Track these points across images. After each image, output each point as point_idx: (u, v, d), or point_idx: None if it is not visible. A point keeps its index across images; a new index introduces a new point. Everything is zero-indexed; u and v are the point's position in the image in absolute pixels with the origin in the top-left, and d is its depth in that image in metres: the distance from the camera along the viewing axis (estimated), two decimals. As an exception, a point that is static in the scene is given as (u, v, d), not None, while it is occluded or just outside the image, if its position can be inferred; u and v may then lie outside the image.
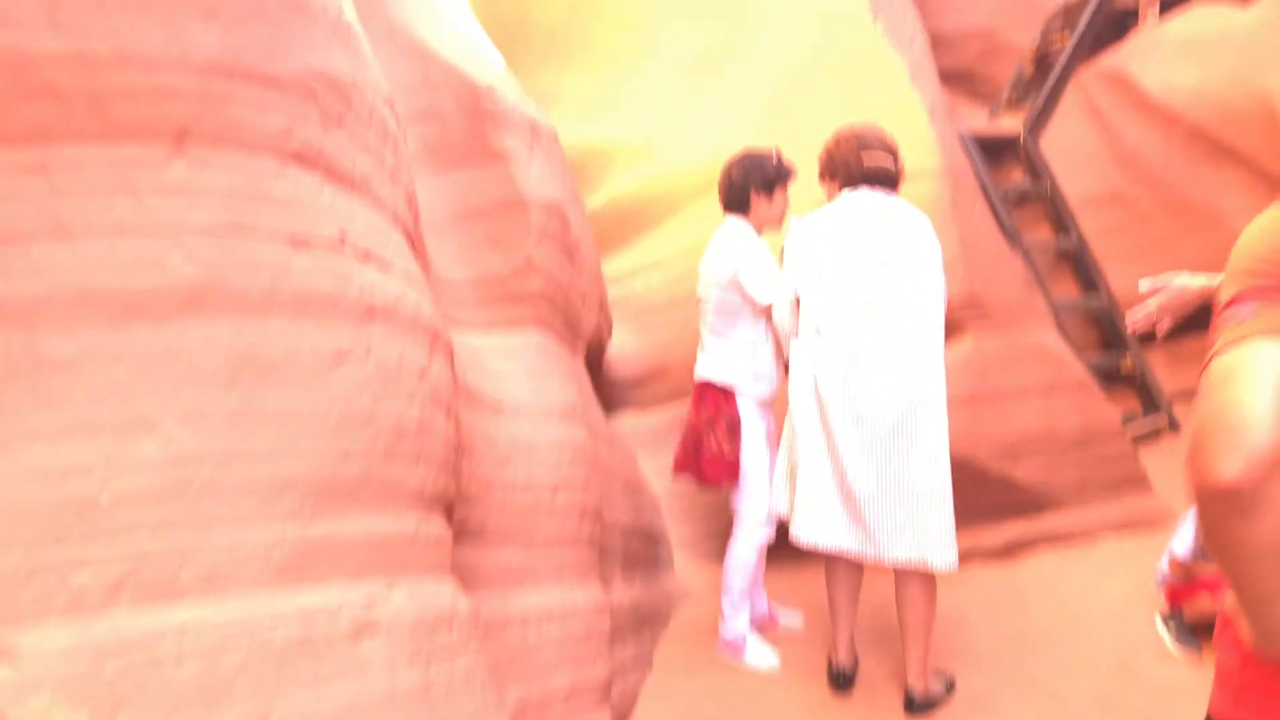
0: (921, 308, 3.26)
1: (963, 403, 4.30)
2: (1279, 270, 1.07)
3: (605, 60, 6.22)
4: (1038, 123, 6.16)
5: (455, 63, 3.68)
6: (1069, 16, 6.68)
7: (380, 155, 2.31)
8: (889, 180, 3.38)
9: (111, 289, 1.62)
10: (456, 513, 2.42)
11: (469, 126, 3.67)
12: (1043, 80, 6.70)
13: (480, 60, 3.91)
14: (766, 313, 3.64)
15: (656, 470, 4.72)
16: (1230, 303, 1.10)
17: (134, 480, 1.51)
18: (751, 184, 3.73)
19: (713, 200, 5.41)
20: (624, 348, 5.33)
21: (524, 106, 3.94)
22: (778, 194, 3.77)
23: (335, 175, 2.05)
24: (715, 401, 3.67)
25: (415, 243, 2.52)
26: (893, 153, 3.40)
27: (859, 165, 3.34)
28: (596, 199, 5.94)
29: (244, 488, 1.60)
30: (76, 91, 1.69)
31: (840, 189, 3.40)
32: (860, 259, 3.25)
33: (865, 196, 3.33)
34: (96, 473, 1.48)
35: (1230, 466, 0.96)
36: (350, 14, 2.44)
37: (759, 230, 3.79)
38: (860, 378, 3.20)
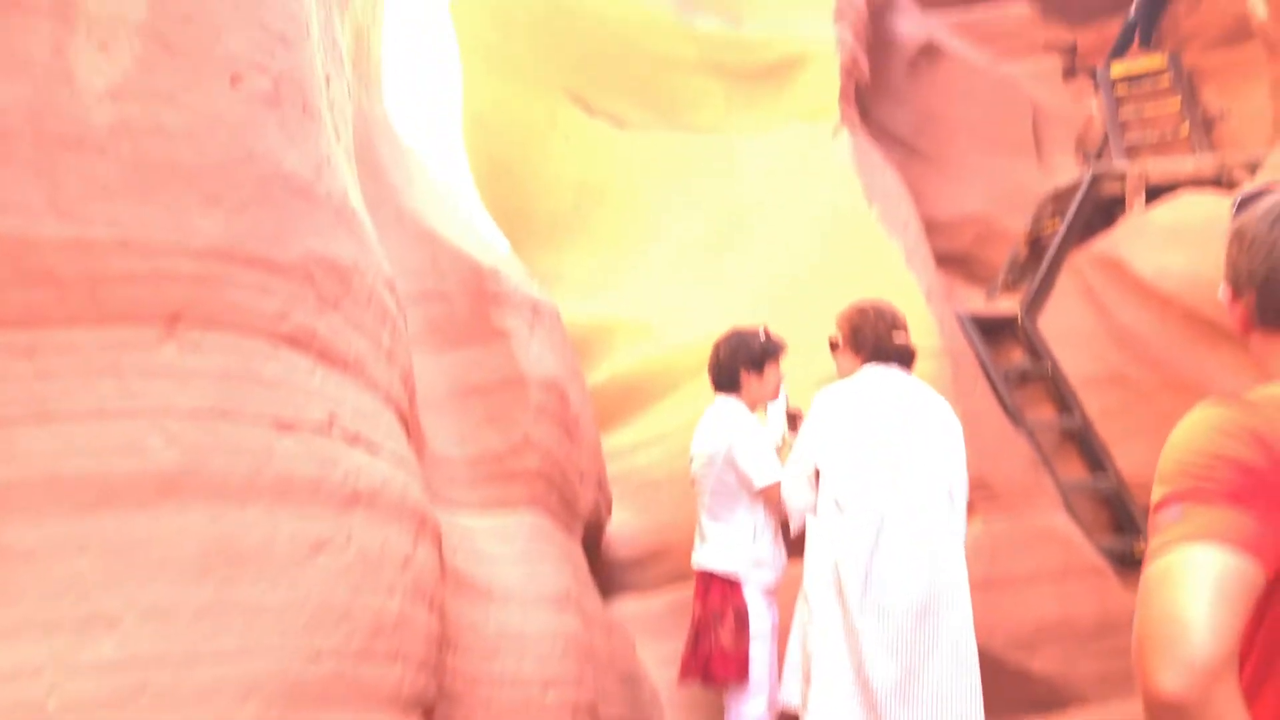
0: (946, 477, 3.21)
1: (974, 588, 4.13)
2: (1203, 472, 1.09)
3: (607, 243, 6.40)
4: (1034, 304, 6.26)
5: (461, 246, 3.77)
6: (1059, 203, 6.91)
7: (377, 336, 2.30)
8: (910, 359, 3.41)
9: (85, 474, 1.56)
10: (438, 712, 2.27)
11: (472, 307, 3.72)
12: (1037, 263, 6.86)
13: (485, 244, 4.00)
14: (765, 494, 3.55)
15: (658, 659, 4.50)
16: (1158, 506, 1.10)
17: (85, 684, 1.40)
18: (740, 362, 3.73)
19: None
20: (624, 527, 5.21)
21: (527, 286, 4.01)
22: (768, 370, 3.76)
23: (328, 357, 2.04)
24: (721, 593, 3.52)
25: (409, 423, 2.48)
26: (906, 330, 3.44)
27: (889, 342, 3.36)
28: (598, 375, 5.97)
29: (205, 692, 1.49)
30: (74, 277, 1.70)
31: (864, 363, 3.39)
32: (885, 429, 3.21)
33: (891, 374, 3.34)
34: (45, 675, 1.38)
35: (1174, 680, 0.95)
36: (356, 200, 2.50)
37: (751, 408, 3.75)
38: (884, 558, 3.08)
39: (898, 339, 3.40)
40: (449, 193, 4.33)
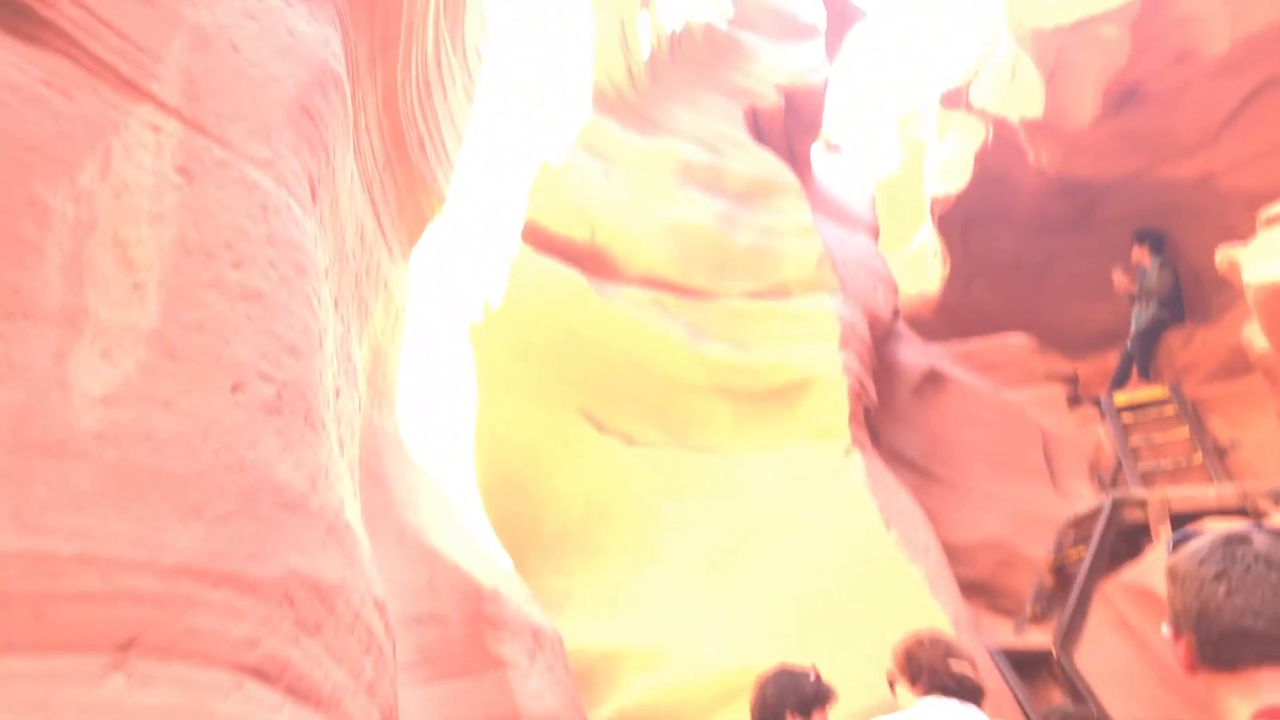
0: None
1: None
2: None
3: (615, 561, 6.18)
4: (1068, 637, 5.88)
5: (461, 564, 3.57)
6: (1080, 530, 6.73)
7: (358, 666, 2.06)
8: (974, 693, 3.11)
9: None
10: None
11: (469, 632, 3.46)
12: (1065, 593, 6.55)
13: (487, 561, 3.81)
14: None
15: None
16: None
17: None
18: (787, 705, 3.38)
19: (730, 715, 4.95)
20: None
21: (528, 610, 3.75)
22: (815, 718, 3.41)
23: (300, 691, 1.79)
24: None
25: (386, 770, 2.16)
26: (973, 663, 3.17)
27: (947, 671, 3.09)
28: (603, 711, 5.49)
29: None
30: (23, 595, 1.52)
31: (923, 694, 3.10)
32: None
33: (950, 707, 3.03)
34: None
35: None
36: (353, 514, 2.36)
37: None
38: None
39: (956, 667, 3.13)
40: (454, 509, 4.21)
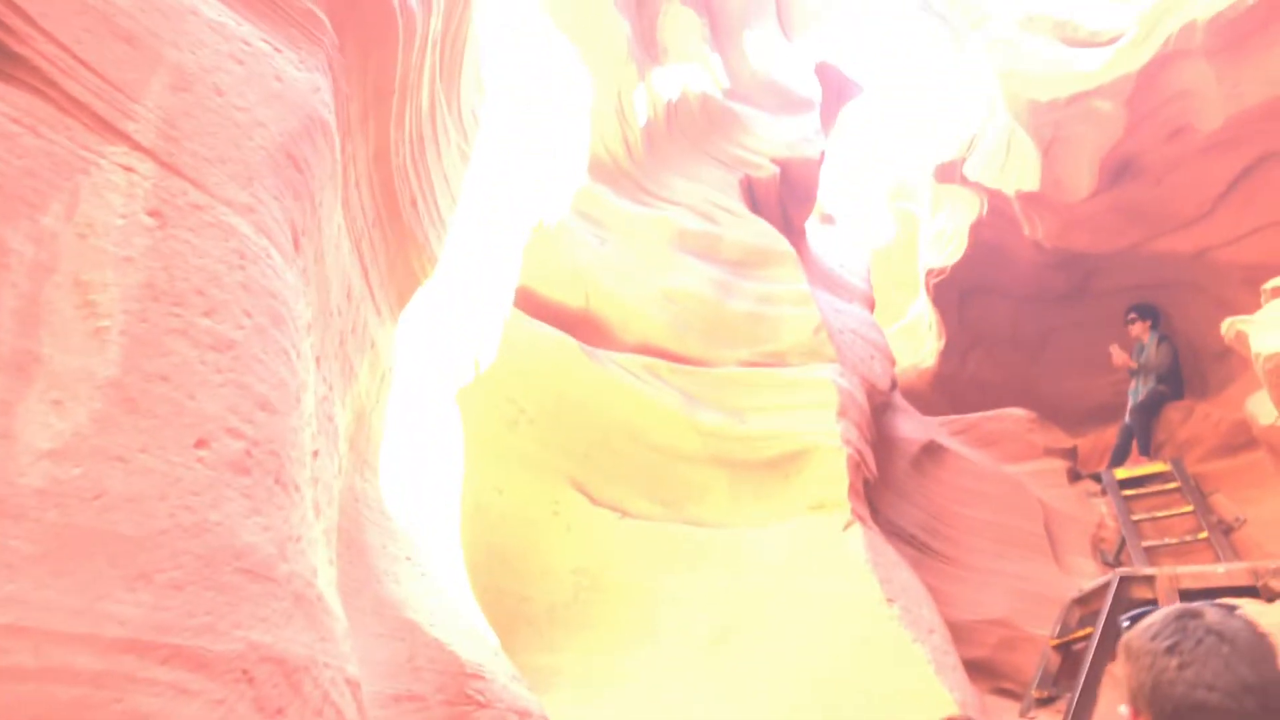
0: None
1: None
2: None
3: (607, 638, 5.93)
4: (1078, 721, 5.64)
5: (443, 640, 3.37)
6: (1085, 607, 6.52)
7: (325, 754, 1.88)
8: None
9: None
10: None
11: (451, 713, 3.24)
12: (1072, 674, 6.31)
13: (471, 637, 3.61)
14: None
15: None
16: None
17: None
18: None
19: None
20: None
21: (515, 689, 3.54)
22: None
23: (256, 783, 1.61)
24: None
25: None
26: None
27: None
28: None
29: None
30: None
31: None
32: None
33: None
34: None
35: None
36: (327, 584, 2.20)
37: None
38: None
39: None
40: (438, 581, 4.01)
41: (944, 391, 11.00)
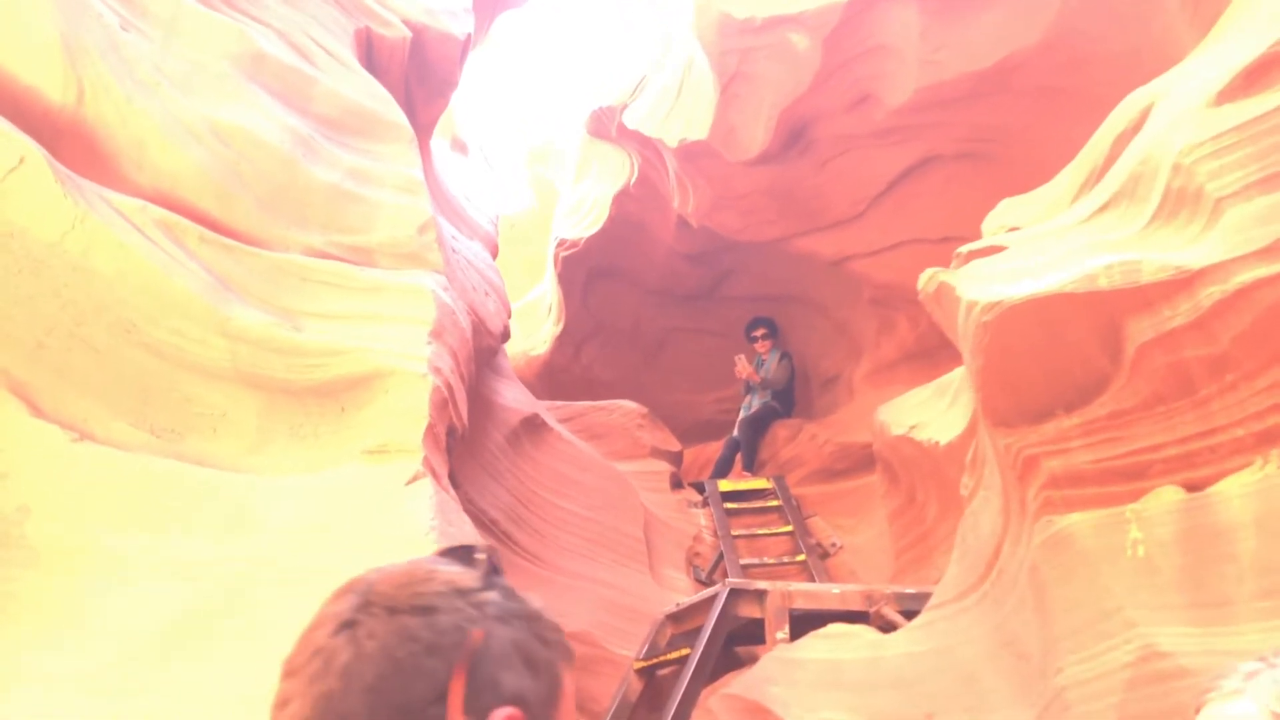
0: None
1: None
2: None
3: (24, 620, 3.77)
4: (659, 765, 4.53)
5: None
6: (678, 625, 5.53)
7: None
8: None
9: None
10: None
11: None
12: (652, 703, 5.25)
13: None
14: None
15: None
16: None
17: None
18: None
19: None
20: None
21: None
22: None
23: None
24: None
25: None
26: None
27: None
28: None
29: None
30: None
31: None
32: None
33: None
34: None
35: None
36: None
37: None
38: None
39: None
40: None
41: (553, 384, 9.96)
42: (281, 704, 0.86)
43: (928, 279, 3.79)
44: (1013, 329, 3.20)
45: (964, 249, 3.89)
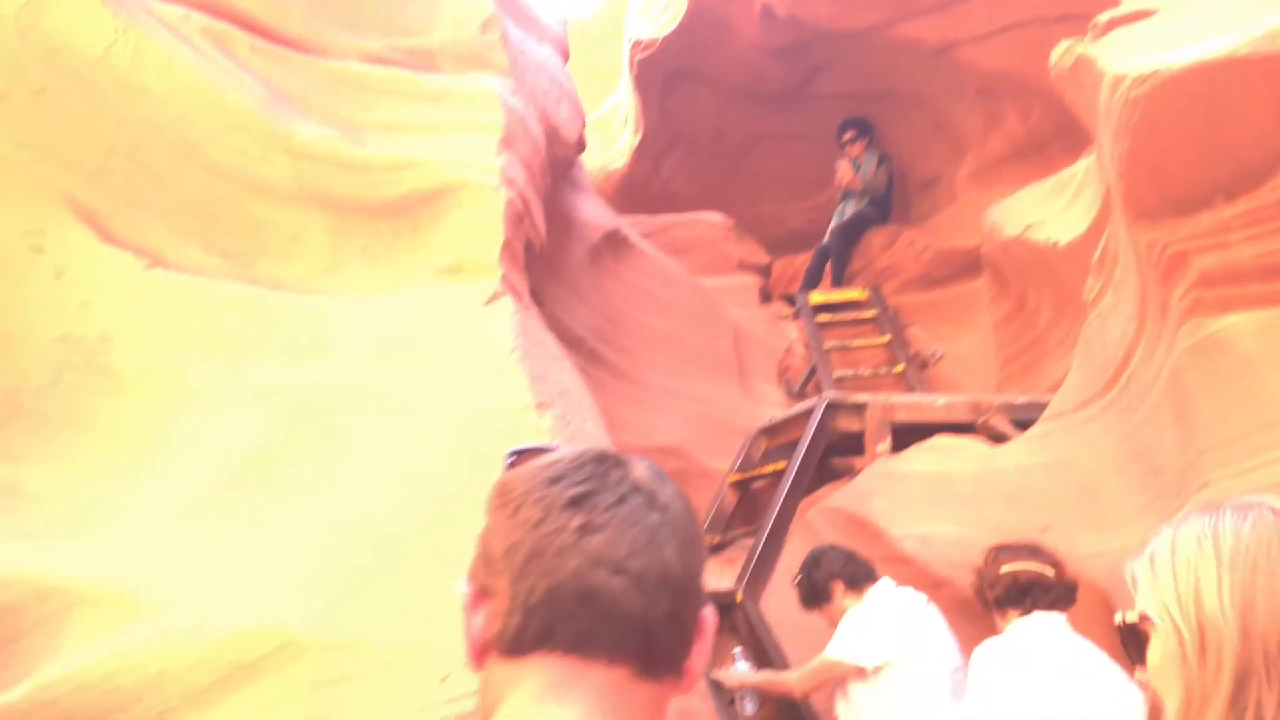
0: None
1: None
2: None
3: (103, 447, 3.78)
4: (756, 577, 4.47)
5: None
6: (773, 439, 5.38)
7: None
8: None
9: None
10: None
11: None
12: (750, 517, 5.20)
13: None
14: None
15: None
16: None
17: None
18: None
19: (241, 702, 3.03)
20: None
21: None
22: None
23: None
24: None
25: None
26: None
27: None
28: (29, 680, 3.19)
29: None
30: None
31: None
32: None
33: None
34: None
35: None
36: None
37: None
38: None
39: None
40: None
41: (632, 199, 9.55)
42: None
43: (1063, 52, 3.27)
44: (1170, 104, 2.72)
45: (1103, 16, 3.33)
